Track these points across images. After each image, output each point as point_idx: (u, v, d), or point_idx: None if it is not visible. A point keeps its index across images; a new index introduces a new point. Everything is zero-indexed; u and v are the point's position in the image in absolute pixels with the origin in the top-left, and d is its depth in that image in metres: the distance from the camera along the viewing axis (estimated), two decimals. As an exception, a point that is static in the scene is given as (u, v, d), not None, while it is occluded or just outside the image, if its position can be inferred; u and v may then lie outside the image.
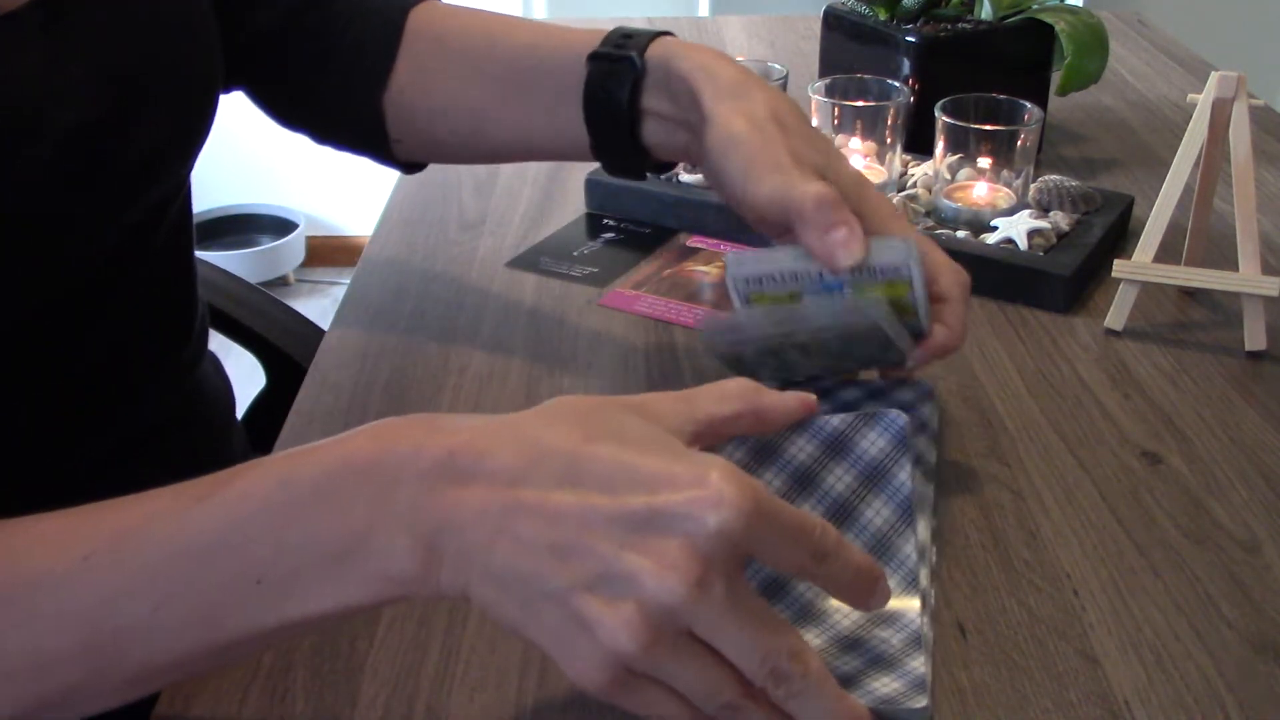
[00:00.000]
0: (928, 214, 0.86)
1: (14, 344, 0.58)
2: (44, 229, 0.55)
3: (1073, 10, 0.98)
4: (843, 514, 0.52)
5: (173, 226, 0.68)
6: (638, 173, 0.68)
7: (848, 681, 0.47)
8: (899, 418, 0.52)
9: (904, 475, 0.52)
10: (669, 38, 0.65)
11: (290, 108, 0.74)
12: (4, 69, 0.51)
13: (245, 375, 0.90)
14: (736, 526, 0.39)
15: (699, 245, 0.88)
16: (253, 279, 0.99)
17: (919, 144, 0.92)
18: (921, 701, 0.46)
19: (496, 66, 0.69)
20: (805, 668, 0.41)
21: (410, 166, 0.76)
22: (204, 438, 0.75)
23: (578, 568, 0.39)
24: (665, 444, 0.42)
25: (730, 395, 0.46)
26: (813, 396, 0.49)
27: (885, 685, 0.47)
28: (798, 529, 0.41)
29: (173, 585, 0.42)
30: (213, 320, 0.87)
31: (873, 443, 0.52)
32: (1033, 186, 0.86)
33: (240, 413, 0.87)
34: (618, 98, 0.64)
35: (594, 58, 0.65)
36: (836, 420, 0.53)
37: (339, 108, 0.73)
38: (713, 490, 0.39)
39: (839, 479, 0.52)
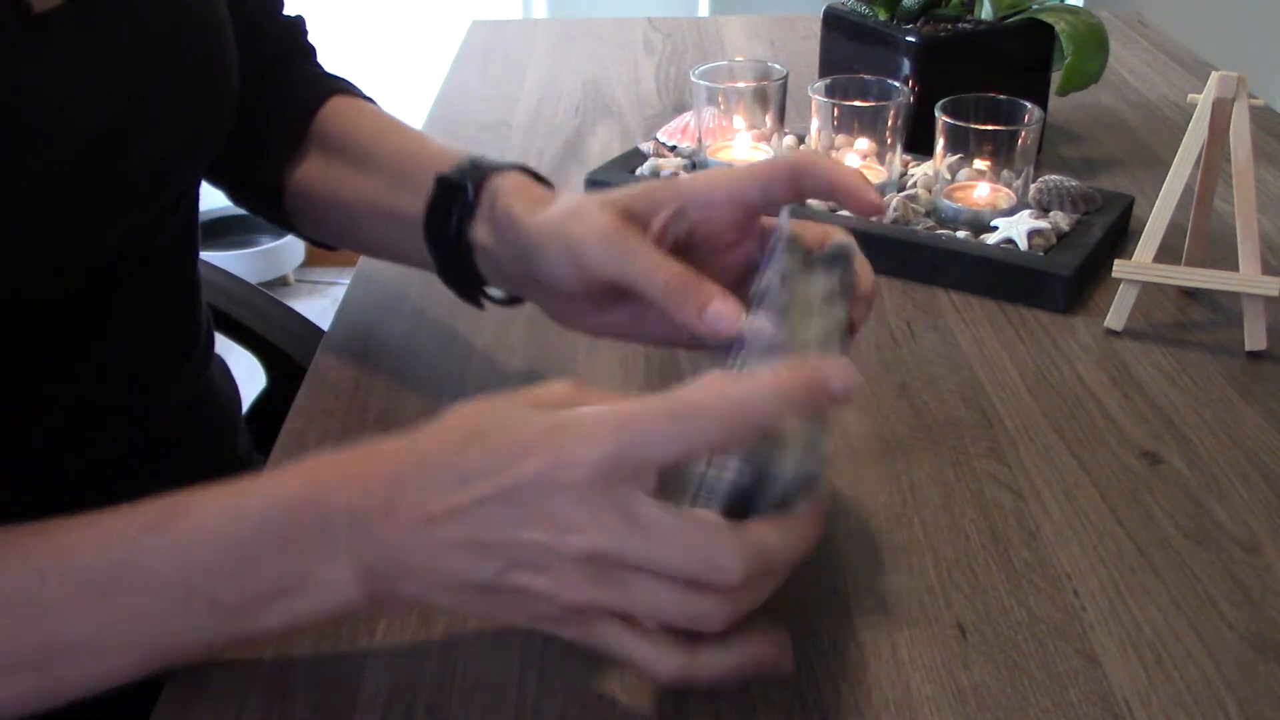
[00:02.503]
0: (928, 214, 0.86)
1: (23, 346, 0.58)
2: (58, 227, 0.55)
3: (1073, 10, 0.98)
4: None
5: (180, 231, 0.68)
6: (475, 302, 0.66)
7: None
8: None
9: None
10: (515, 174, 0.63)
11: (210, 167, 0.74)
12: (32, 69, 0.52)
13: (245, 375, 0.90)
14: (599, 469, 0.41)
15: (699, 245, 0.88)
16: (253, 279, 0.99)
17: (919, 144, 0.92)
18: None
19: (379, 170, 0.69)
20: (735, 558, 0.42)
21: (318, 243, 0.77)
22: (213, 440, 0.75)
23: (497, 553, 0.43)
24: (533, 421, 0.44)
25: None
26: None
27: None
28: (674, 436, 0.42)
29: (118, 608, 0.45)
30: (214, 320, 0.87)
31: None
32: (1033, 186, 0.86)
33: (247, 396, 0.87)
34: (448, 225, 0.63)
35: (439, 180, 0.63)
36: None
37: (248, 179, 0.74)
38: (566, 449, 0.42)
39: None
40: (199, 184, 0.69)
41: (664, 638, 0.44)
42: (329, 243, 0.76)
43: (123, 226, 0.60)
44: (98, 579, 0.45)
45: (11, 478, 0.60)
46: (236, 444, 0.78)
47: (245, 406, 0.90)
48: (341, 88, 0.75)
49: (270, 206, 0.74)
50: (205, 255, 0.74)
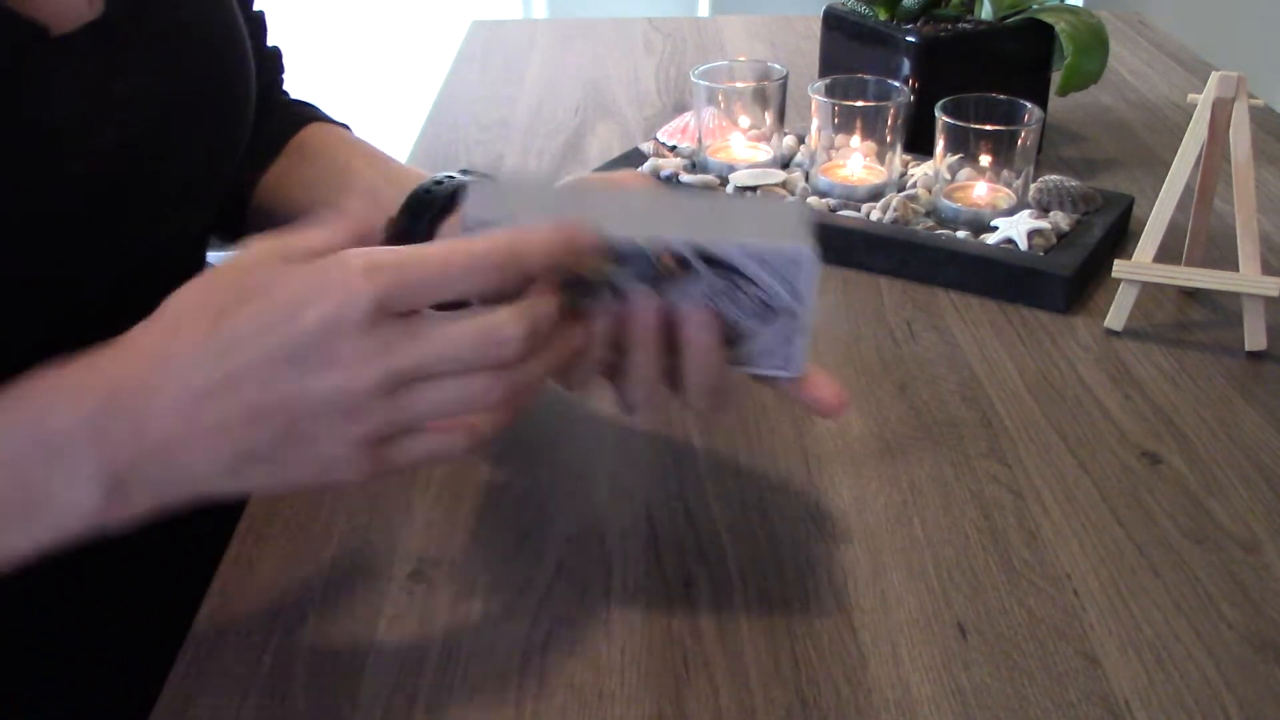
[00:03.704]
0: (928, 214, 0.86)
1: (32, 360, 0.57)
2: (78, 248, 0.55)
3: (1073, 10, 0.98)
4: None
5: (193, 249, 0.68)
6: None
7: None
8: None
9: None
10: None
11: None
12: (56, 89, 0.52)
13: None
14: (382, 296, 0.42)
15: (699, 245, 0.88)
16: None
17: (919, 144, 0.92)
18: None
19: (353, 186, 0.70)
20: (524, 322, 0.44)
21: None
22: None
23: (282, 411, 0.42)
24: (293, 273, 0.43)
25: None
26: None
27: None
28: (442, 267, 0.43)
29: None
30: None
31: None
32: (1033, 186, 0.86)
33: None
34: (420, 223, 0.64)
35: (415, 191, 0.65)
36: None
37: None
38: (346, 286, 0.42)
39: None
40: (214, 204, 0.69)
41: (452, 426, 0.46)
42: None
43: (142, 246, 0.60)
44: None
45: None
46: None
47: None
48: (319, 116, 0.78)
49: (231, 215, 0.75)
50: (208, 255, 0.75)
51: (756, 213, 0.52)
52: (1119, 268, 0.75)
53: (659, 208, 0.52)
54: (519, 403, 0.46)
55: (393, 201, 0.66)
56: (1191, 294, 0.80)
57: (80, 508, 0.44)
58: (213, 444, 0.43)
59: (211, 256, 0.75)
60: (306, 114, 0.77)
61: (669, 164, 0.94)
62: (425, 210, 0.65)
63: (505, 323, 0.44)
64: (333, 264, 0.43)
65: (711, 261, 0.48)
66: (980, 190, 0.85)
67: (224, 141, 0.64)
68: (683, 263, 0.48)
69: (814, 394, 0.53)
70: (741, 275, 0.49)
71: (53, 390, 0.44)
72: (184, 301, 0.45)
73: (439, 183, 0.66)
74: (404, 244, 0.61)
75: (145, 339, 0.44)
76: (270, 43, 0.80)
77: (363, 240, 0.46)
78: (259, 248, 0.45)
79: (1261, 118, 1.09)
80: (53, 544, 0.45)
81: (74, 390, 0.44)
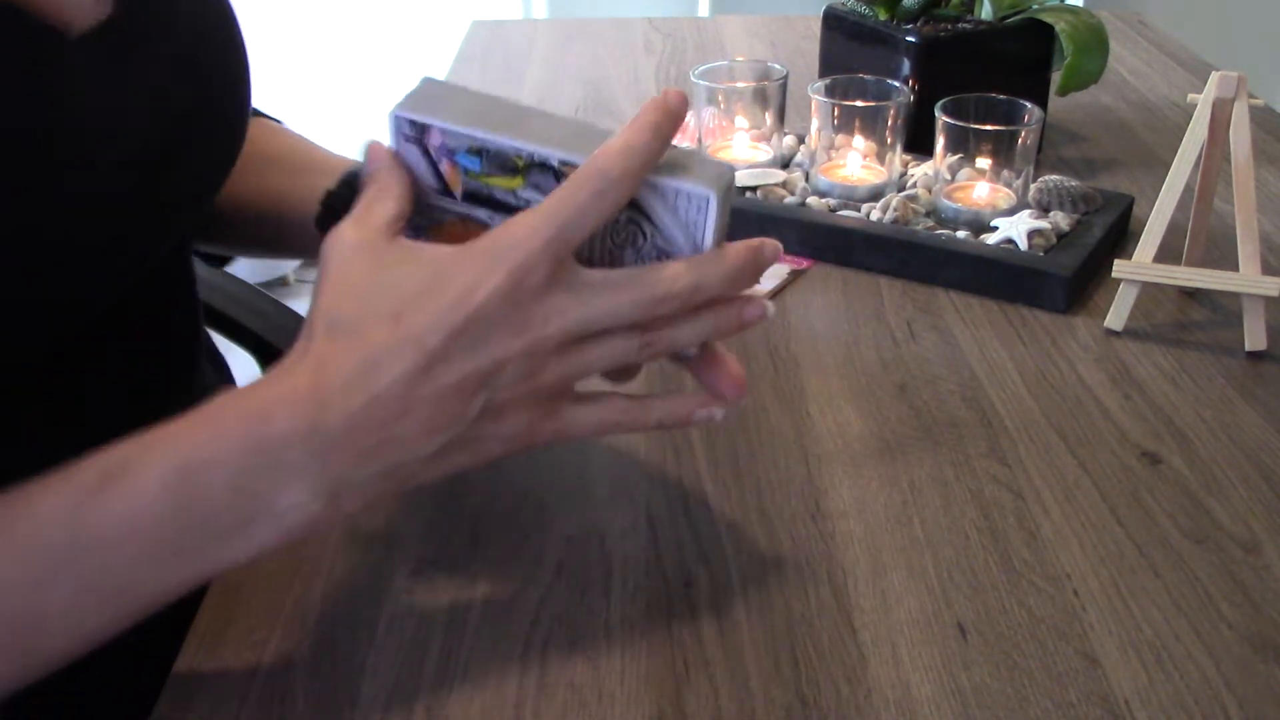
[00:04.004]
0: (928, 214, 0.86)
1: (29, 371, 0.57)
2: (90, 253, 0.54)
3: (1073, 10, 0.98)
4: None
5: (184, 258, 0.68)
6: None
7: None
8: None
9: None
10: None
11: None
12: (68, 94, 0.50)
13: (243, 376, 0.90)
14: (548, 258, 0.45)
15: (699, 245, 0.88)
16: (252, 279, 0.99)
17: (919, 144, 0.92)
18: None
19: (279, 171, 0.71)
20: (675, 286, 0.47)
21: (207, 257, 0.78)
22: None
23: (474, 393, 0.45)
24: (450, 258, 0.46)
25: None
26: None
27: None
28: (589, 201, 0.46)
29: (84, 574, 0.45)
30: (212, 321, 0.86)
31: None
32: (1033, 186, 0.86)
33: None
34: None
35: (346, 174, 0.67)
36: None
37: None
38: (513, 259, 0.45)
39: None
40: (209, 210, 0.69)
41: (617, 396, 0.50)
42: (215, 248, 0.77)
43: (151, 253, 0.59)
44: (55, 550, 0.45)
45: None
46: None
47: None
48: (256, 112, 0.78)
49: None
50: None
51: (682, 158, 0.51)
52: (1119, 268, 0.75)
53: (582, 133, 0.51)
54: (668, 354, 0.50)
55: (328, 175, 0.67)
56: (1191, 294, 0.80)
57: (301, 514, 0.45)
58: (422, 435, 0.45)
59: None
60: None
61: (669, 164, 0.94)
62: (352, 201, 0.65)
63: (667, 282, 0.47)
64: (486, 239, 0.46)
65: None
66: (980, 190, 0.85)
67: (224, 155, 0.64)
68: None
69: (711, 374, 0.53)
70: (648, 218, 0.50)
71: (265, 400, 0.45)
72: (345, 310, 0.46)
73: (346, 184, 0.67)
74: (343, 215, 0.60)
75: (330, 349, 0.46)
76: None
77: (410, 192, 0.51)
78: (352, 239, 0.48)
79: (1261, 118, 1.09)
80: (270, 549, 0.46)
81: (287, 399, 0.45)
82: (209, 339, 0.76)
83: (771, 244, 0.50)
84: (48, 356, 0.57)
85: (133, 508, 0.45)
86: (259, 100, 0.71)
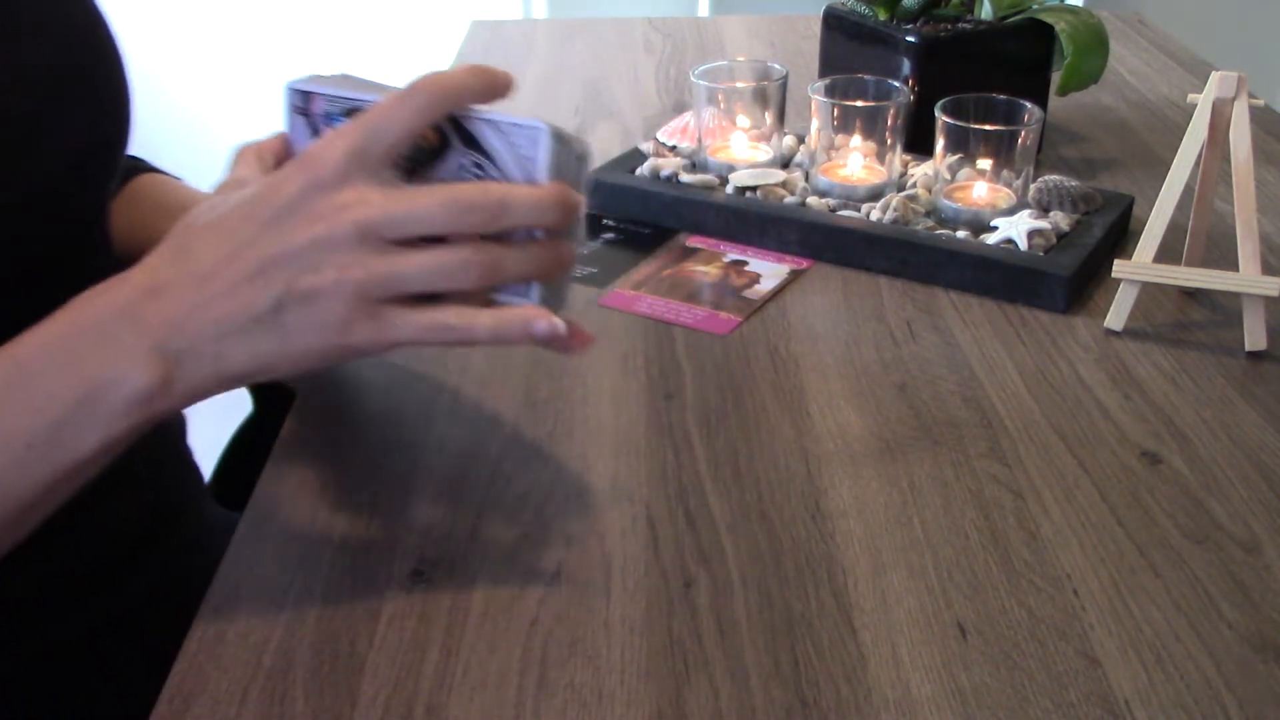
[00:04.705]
0: (928, 214, 0.86)
1: None
2: None
3: (1073, 10, 0.98)
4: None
5: (101, 262, 0.66)
6: None
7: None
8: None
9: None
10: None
11: None
12: None
13: (233, 399, 0.89)
14: (352, 156, 0.48)
15: (699, 245, 0.88)
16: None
17: (919, 144, 0.92)
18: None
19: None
20: (481, 196, 0.49)
21: None
22: (159, 450, 0.73)
23: (278, 269, 0.48)
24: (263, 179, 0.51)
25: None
26: None
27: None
28: (401, 112, 0.49)
29: None
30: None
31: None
32: (1033, 186, 0.86)
33: (233, 421, 0.87)
34: None
35: None
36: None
37: None
38: (316, 157, 0.49)
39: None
40: (108, 209, 0.67)
41: (445, 305, 0.50)
42: None
43: (36, 235, 0.58)
44: None
45: None
46: (183, 446, 0.77)
47: (232, 432, 0.89)
48: (148, 167, 0.80)
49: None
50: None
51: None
52: (1119, 268, 0.75)
53: None
54: (495, 281, 0.50)
55: None
56: (1191, 294, 0.80)
57: (136, 384, 0.48)
58: (223, 308, 0.48)
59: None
60: (136, 166, 0.78)
61: (669, 164, 0.94)
62: None
63: (475, 192, 0.49)
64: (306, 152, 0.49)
65: (465, 138, 0.52)
66: (980, 190, 0.85)
67: (104, 129, 0.63)
68: (442, 135, 0.52)
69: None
70: (486, 157, 0.52)
71: (90, 293, 0.49)
72: (186, 225, 0.51)
73: None
74: None
75: (160, 249, 0.50)
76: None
77: (274, 153, 0.57)
78: (218, 195, 0.52)
79: (1261, 118, 1.09)
80: (116, 437, 0.49)
81: (110, 287, 0.49)
82: None
83: (578, 197, 0.51)
84: None
85: None
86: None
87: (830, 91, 0.90)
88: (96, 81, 0.62)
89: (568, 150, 0.52)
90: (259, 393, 0.89)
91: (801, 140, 0.97)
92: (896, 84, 0.89)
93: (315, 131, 0.56)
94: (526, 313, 0.51)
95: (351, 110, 0.54)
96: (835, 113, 0.89)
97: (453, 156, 0.52)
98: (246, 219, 0.49)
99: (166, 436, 0.75)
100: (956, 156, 0.85)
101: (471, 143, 0.52)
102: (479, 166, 0.52)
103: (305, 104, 0.56)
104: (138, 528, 0.68)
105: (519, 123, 0.51)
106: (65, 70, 0.59)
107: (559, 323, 0.51)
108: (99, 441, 0.49)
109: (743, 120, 0.94)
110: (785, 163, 0.95)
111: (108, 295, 0.49)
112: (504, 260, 0.50)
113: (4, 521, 0.49)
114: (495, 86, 0.51)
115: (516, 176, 0.51)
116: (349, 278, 0.48)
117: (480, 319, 0.50)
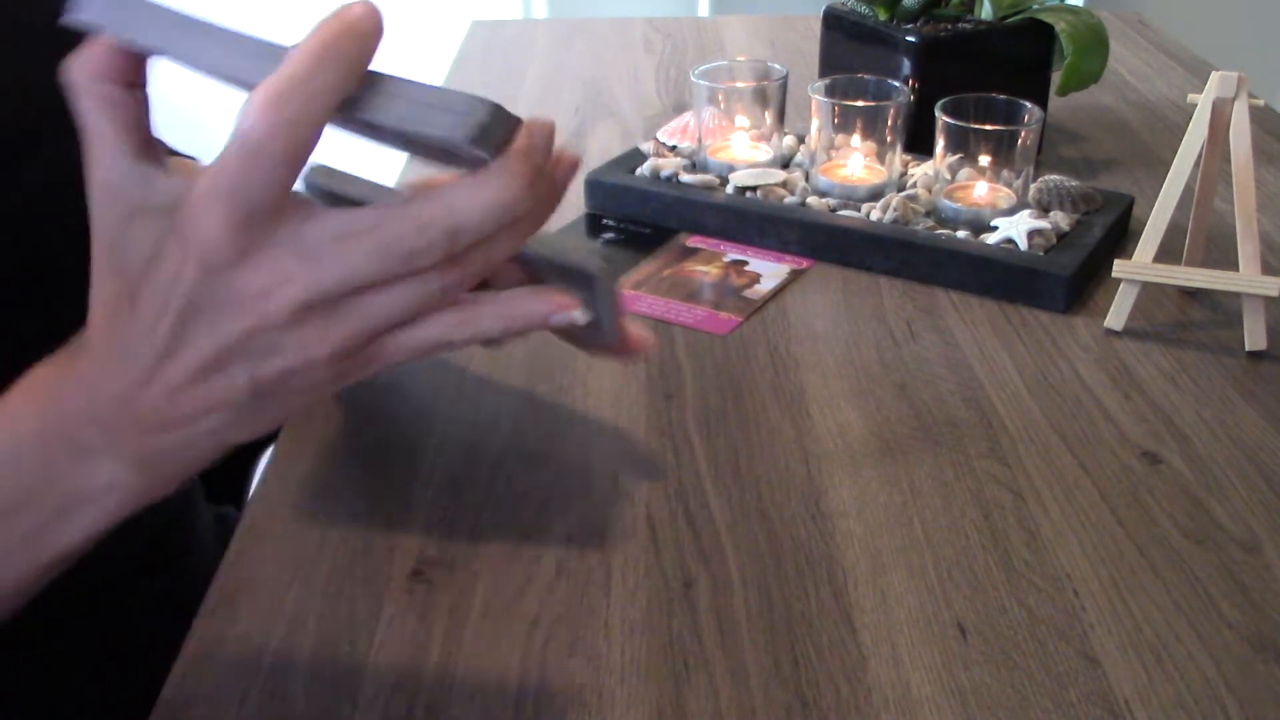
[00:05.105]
0: (928, 214, 0.86)
1: None
2: None
3: (1073, 10, 0.98)
4: None
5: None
6: None
7: None
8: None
9: None
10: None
11: None
12: None
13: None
14: (232, 229, 0.38)
15: (699, 245, 0.88)
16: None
17: (919, 144, 0.92)
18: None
19: None
20: (426, 236, 0.39)
21: None
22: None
23: (230, 369, 0.41)
24: (146, 232, 0.41)
25: None
26: None
27: None
28: (259, 155, 0.38)
29: None
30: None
31: None
32: (1033, 186, 0.86)
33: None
34: None
35: None
36: None
37: None
38: (187, 234, 0.39)
39: None
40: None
41: (437, 315, 0.42)
42: None
43: (44, 248, 0.57)
44: None
45: None
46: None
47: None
48: (170, 151, 0.75)
49: None
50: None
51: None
52: (1119, 268, 0.75)
53: (263, 55, 0.42)
54: (478, 280, 0.42)
55: None
56: (1191, 294, 0.80)
57: (121, 492, 0.44)
58: (198, 413, 0.42)
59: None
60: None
61: (669, 164, 0.94)
62: None
63: (410, 233, 0.39)
64: (180, 212, 0.39)
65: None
66: (980, 190, 0.85)
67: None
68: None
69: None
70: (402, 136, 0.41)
71: (56, 381, 0.44)
72: (100, 275, 0.43)
73: None
74: None
75: (94, 324, 0.43)
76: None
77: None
78: (100, 183, 0.42)
79: (1261, 118, 1.09)
80: (105, 527, 0.45)
81: (71, 379, 0.44)
82: None
83: (542, 125, 0.42)
84: None
85: None
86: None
87: (830, 91, 0.90)
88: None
89: (500, 120, 0.40)
90: None
91: (801, 140, 0.97)
92: (896, 84, 0.89)
93: None
94: (535, 300, 0.44)
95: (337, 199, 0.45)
96: (835, 113, 0.89)
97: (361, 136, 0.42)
98: (161, 311, 0.40)
99: None
100: (956, 156, 0.85)
101: (372, 125, 0.41)
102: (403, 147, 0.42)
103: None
104: (139, 530, 0.68)
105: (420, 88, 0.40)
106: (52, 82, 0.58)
107: (572, 303, 0.44)
108: (83, 539, 0.45)
109: (743, 120, 0.94)
110: (785, 163, 0.95)
111: (65, 394, 0.44)
112: (479, 260, 0.42)
113: None
114: (358, 48, 0.38)
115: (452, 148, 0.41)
116: (314, 354, 0.41)
117: (483, 318, 0.43)
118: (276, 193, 0.39)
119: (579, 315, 0.45)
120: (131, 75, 0.42)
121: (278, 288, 0.39)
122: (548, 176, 0.42)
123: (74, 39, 0.59)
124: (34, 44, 0.55)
